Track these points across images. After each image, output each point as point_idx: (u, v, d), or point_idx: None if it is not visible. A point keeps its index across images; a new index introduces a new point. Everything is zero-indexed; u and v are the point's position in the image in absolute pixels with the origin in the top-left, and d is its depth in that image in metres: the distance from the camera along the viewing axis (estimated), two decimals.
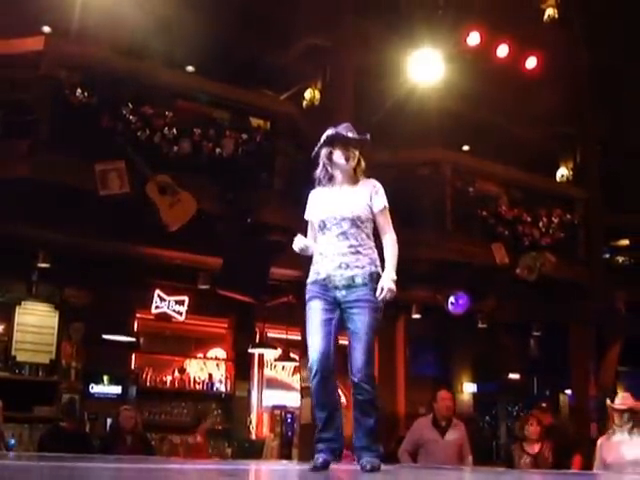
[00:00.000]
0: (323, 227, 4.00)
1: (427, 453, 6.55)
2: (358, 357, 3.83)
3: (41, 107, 7.12)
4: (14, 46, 7.20)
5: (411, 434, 6.84)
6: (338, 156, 4.03)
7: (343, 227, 3.95)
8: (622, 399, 5.80)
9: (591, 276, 10.15)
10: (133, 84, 7.51)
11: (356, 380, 3.83)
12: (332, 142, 4.05)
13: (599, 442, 5.95)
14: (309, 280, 4.04)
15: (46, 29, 8.21)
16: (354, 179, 4.09)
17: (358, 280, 3.90)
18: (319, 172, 4.12)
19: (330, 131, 4.07)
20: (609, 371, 10.96)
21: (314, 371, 3.84)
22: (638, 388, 12.79)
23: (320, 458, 3.82)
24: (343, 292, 3.91)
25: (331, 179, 4.10)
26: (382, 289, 3.89)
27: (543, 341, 11.24)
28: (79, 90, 7.09)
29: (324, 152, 4.07)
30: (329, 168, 4.07)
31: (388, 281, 3.91)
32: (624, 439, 5.68)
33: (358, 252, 3.93)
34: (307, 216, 4.16)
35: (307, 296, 4.03)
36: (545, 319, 10.84)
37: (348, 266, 3.91)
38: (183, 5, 8.29)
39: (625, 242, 11.37)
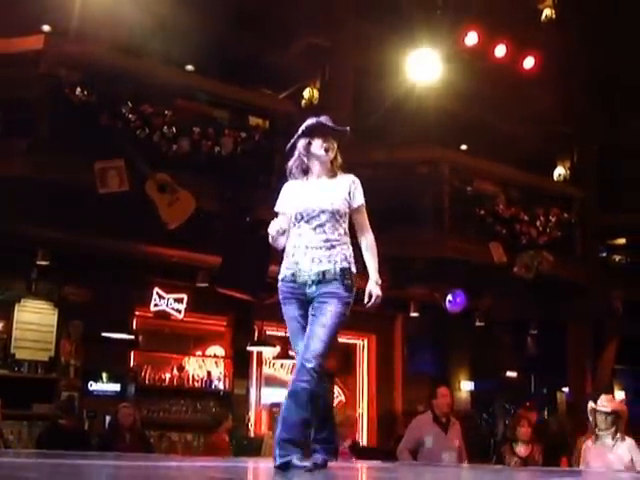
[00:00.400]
0: (300, 219, 3.82)
1: (430, 450, 6.50)
2: (317, 343, 3.65)
3: (41, 105, 7.16)
4: (14, 45, 7.23)
5: (411, 432, 6.75)
6: (317, 146, 3.88)
7: (321, 220, 3.80)
8: (605, 401, 5.61)
9: (588, 275, 10.18)
10: (132, 83, 7.54)
11: (308, 366, 3.61)
12: (311, 133, 3.89)
13: (584, 446, 5.80)
14: (280, 277, 3.88)
15: (46, 28, 8.22)
16: (331, 172, 3.94)
17: (329, 276, 3.74)
18: (292, 163, 3.96)
19: (310, 121, 3.94)
20: (606, 369, 11.02)
21: None
22: (634, 386, 12.91)
23: (320, 458, 3.79)
24: (313, 288, 3.75)
25: (305, 172, 3.95)
26: (370, 296, 3.79)
27: (540, 339, 11.27)
28: (79, 89, 7.12)
29: (302, 143, 3.91)
30: (305, 159, 3.92)
31: (375, 287, 3.80)
32: (609, 445, 5.52)
33: (333, 247, 3.78)
34: (279, 208, 3.96)
35: (280, 296, 3.89)
36: (542, 317, 10.88)
37: (321, 261, 3.75)
38: (182, 4, 8.31)
39: (622, 241, 11.41)
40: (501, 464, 6.61)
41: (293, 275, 3.80)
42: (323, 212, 3.81)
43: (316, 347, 3.65)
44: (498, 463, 6.77)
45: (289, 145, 3.99)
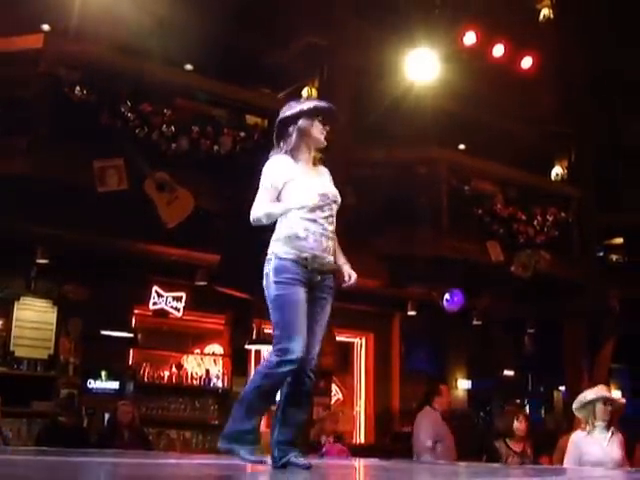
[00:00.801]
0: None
1: (446, 447, 6.54)
2: (316, 344, 3.67)
3: (40, 104, 7.17)
4: (14, 44, 7.25)
5: (428, 428, 6.69)
6: (318, 130, 3.75)
7: (332, 210, 3.74)
8: (608, 391, 5.61)
9: (585, 274, 10.21)
10: (132, 82, 7.55)
11: (307, 367, 3.63)
12: (315, 114, 3.74)
13: (575, 436, 5.67)
14: (289, 256, 3.63)
15: (46, 27, 8.24)
16: (314, 162, 3.85)
17: (331, 268, 3.76)
18: (296, 142, 3.74)
19: (320, 102, 3.83)
20: (602, 368, 11.03)
21: (295, 367, 3.54)
22: (631, 385, 12.95)
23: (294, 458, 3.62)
24: (319, 277, 3.69)
25: (296, 155, 3.78)
26: (350, 277, 3.77)
27: (537, 338, 11.30)
28: (78, 88, 7.13)
29: (306, 122, 3.73)
30: (306, 139, 3.76)
31: (350, 269, 3.79)
32: (603, 437, 5.45)
33: (334, 239, 3.76)
34: (276, 182, 3.72)
35: (286, 275, 3.61)
36: (539, 316, 10.92)
37: (330, 251, 3.72)
38: (181, 3, 8.33)
39: (619, 240, 11.43)
40: (493, 460, 6.51)
41: (306, 259, 3.63)
42: (335, 202, 3.76)
43: (315, 349, 3.67)
44: (490, 459, 6.64)
45: (285, 115, 3.75)
